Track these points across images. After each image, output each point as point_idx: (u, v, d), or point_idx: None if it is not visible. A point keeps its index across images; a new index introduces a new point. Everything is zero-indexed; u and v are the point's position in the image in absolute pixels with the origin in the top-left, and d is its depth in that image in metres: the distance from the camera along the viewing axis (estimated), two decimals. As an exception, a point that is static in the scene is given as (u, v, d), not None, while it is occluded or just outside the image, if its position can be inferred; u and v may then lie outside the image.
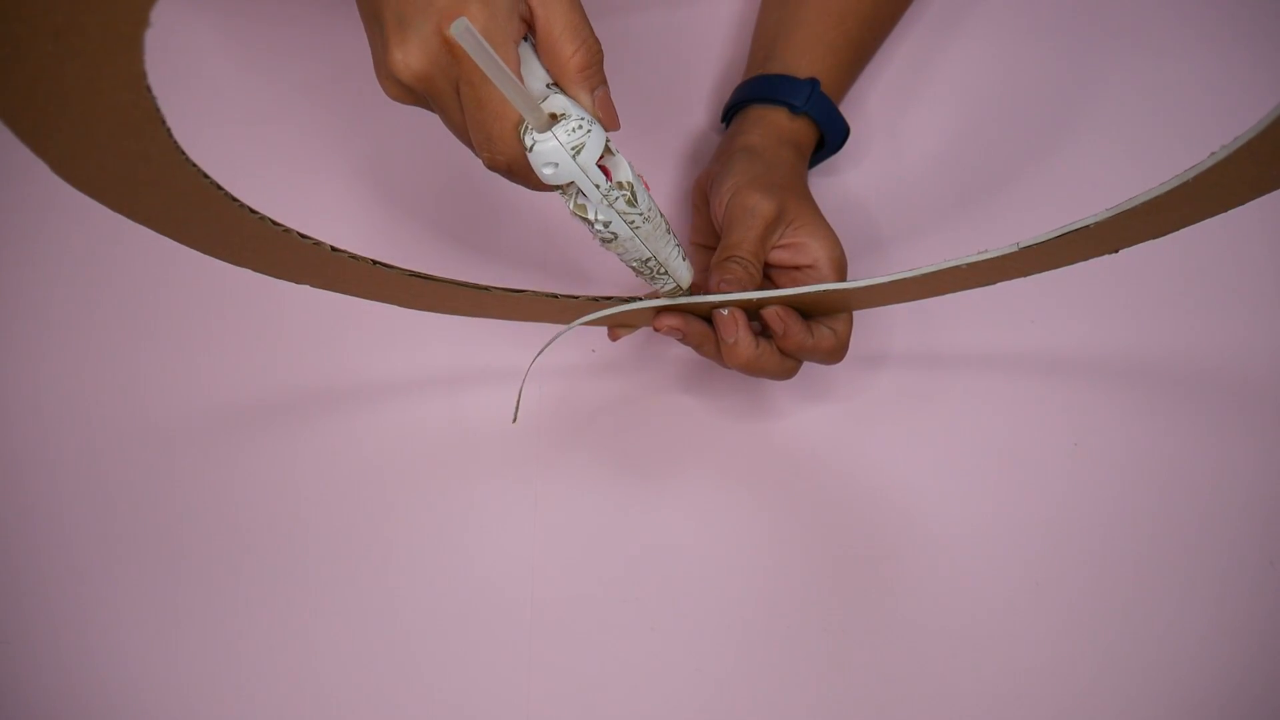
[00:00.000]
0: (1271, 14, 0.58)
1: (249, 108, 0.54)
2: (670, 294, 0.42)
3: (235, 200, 0.29)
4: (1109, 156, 0.55)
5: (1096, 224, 0.32)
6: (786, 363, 0.43)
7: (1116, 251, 0.35)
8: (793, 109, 0.47)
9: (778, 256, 0.44)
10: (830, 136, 0.48)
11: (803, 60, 0.48)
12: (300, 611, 0.44)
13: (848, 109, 0.50)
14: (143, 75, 0.21)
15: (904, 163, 0.54)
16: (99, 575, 0.45)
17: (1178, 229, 0.32)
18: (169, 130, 0.24)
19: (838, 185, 0.53)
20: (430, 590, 0.45)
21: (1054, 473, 0.48)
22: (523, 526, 0.46)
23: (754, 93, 0.48)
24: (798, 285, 0.44)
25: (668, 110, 0.54)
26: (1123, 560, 0.47)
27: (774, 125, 0.47)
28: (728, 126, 0.50)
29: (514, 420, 0.44)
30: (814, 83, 0.47)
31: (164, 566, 0.45)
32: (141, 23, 0.19)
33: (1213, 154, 0.27)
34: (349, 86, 0.54)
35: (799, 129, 0.47)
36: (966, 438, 0.49)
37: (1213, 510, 0.48)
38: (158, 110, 0.22)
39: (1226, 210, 0.30)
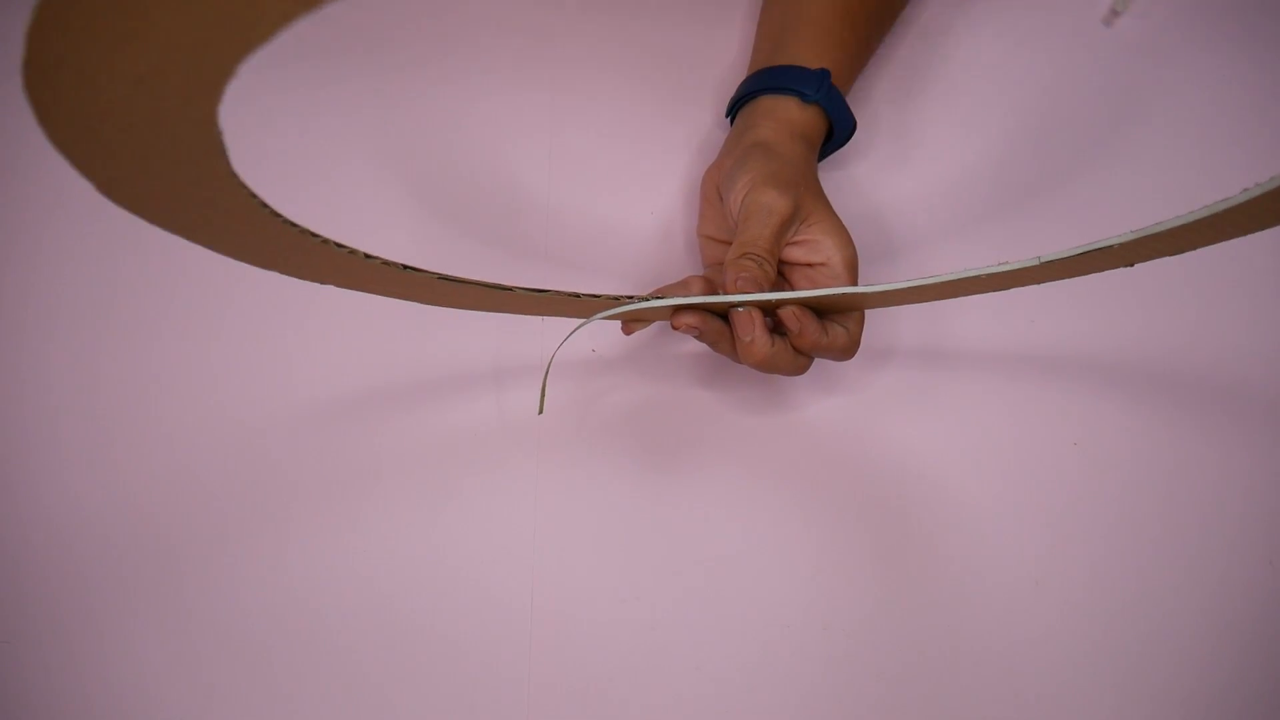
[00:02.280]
0: (1267, 11, 0.59)
1: (273, 110, 0.53)
2: None
3: (279, 216, 0.29)
4: (1118, 150, 0.55)
5: (1120, 245, 0.32)
6: (800, 360, 0.43)
7: (1132, 265, 0.36)
8: (804, 97, 0.47)
9: (791, 253, 0.44)
10: (839, 128, 0.48)
11: (811, 53, 0.48)
12: (299, 610, 0.44)
13: (852, 104, 0.50)
14: (214, 115, 0.21)
15: (909, 158, 0.54)
16: (100, 575, 0.44)
17: (1196, 249, 0.33)
18: (228, 159, 0.24)
19: (845, 180, 0.54)
20: (429, 589, 0.45)
21: (1055, 471, 0.49)
22: (524, 524, 0.46)
23: (764, 83, 0.48)
24: (811, 282, 0.44)
25: (672, 104, 0.54)
26: (1123, 559, 0.47)
27: (784, 117, 0.47)
28: (732, 121, 0.50)
29: (540, 411, 0.44)
30: (825, 73, 0.47)
31: (163, 565, 0.44)
32: (227, 73, 0.18)
33: (1245, 190, 0.27)
34: (372, 91, 0.54)
35: (809, 120, 0.47)
36: (968, 434, 0.49)
37: (1213, 509, 0.48)
38: (222, 144, 0.22)
39: (1247, 234, 0.31)
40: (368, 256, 0.33)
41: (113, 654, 0.43)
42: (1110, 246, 0.33)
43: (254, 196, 0.27)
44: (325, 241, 0.31)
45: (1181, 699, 0.45)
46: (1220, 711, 0.45)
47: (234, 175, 0.25)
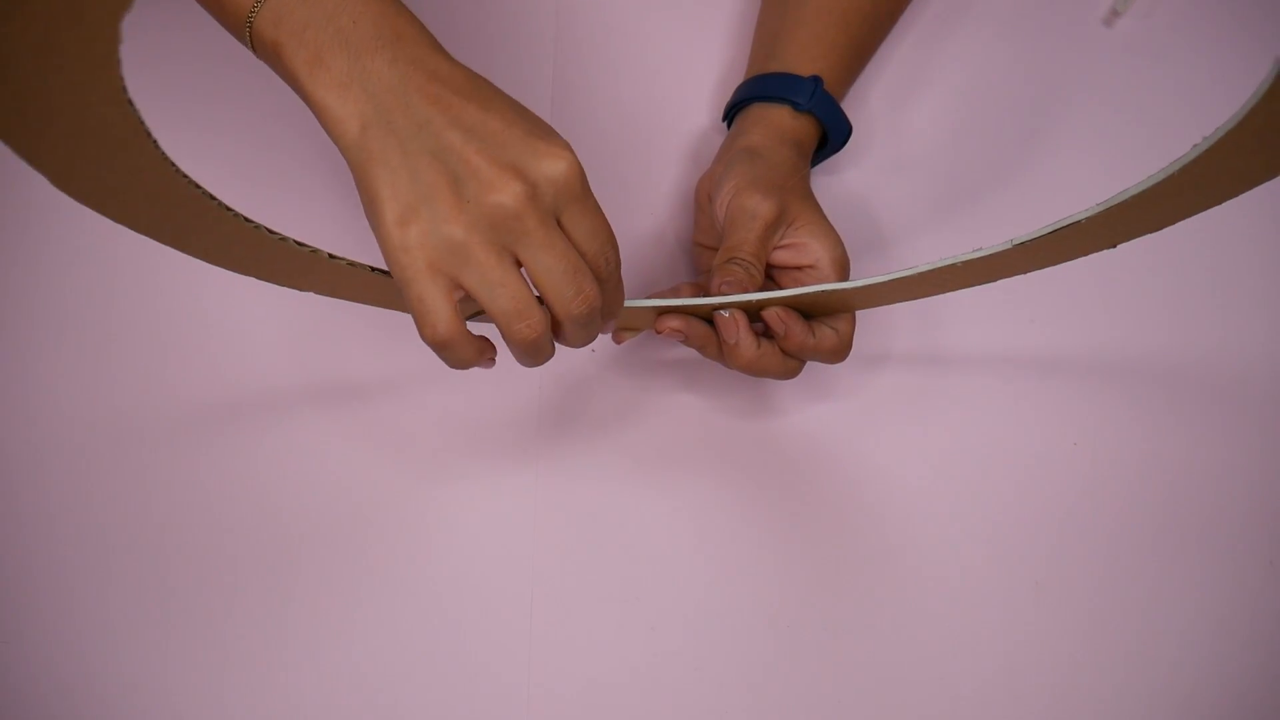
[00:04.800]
0: (1267, 12, 0.58)
1: (241, 109, 0.53)
2: None
3: (229, 210, 0.29)
4: (1111, 155, 0.55)
5: (1088, 219, 0.32)
6: (789, 363, 0.43)
7: (1115, 246, 0.35)
8: (796, 107, 0.47)
9: (779, 257, 0.44)
10: (833, 134, 0.48)
11: (804, 58, 0.48)
12: (297, 611, 0.44)
13: (848, 107, 0.50)
14: (123, 89, 0.21)
15: (905, 161, 0.54)
16: (93, 575, 0.45)
17: (1172, 223, 0.32)
18: (156, 142, 0.24)
19: (838, 184, 0.53)
20: (429, 590, 0.45)
21: (1054, 472, 0.48)
22: (523, 526, 0.46)
23: (756, 91, 0.48)
24: (800, 285, 0.44)
25: (669, 111, 0.54)
26: (1123, 560, 0.47)
27: (776, 124, 0.47)
28: (729, 126, 0.50)
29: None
30: (817, 80, 0.47)
31: (159, 564, 0.45)
32: (114, 37, 0.19)
33: (1195, 145, 0.27)
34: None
35: (801, 127, 0.47)
36: (967, 436, 0.49)
37: (1213, 509, 0.48)
38: (142, 123, 0.23)
39: (1219, 203, 0.30)
40: (331, 256, 0.34)
41: (110, 655, 0.43)
42: (1079, 222, 0.32)
43: (197, 186, 0.28)
44: (284, 239, 0.32)
45: (1182, 699, 0.45)
46: (1220, 711, 0.44)
47: (168, 161, 0.26)
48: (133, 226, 0.30)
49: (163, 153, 0.25)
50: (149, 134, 0.24)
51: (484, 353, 0.36)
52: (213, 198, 0.28)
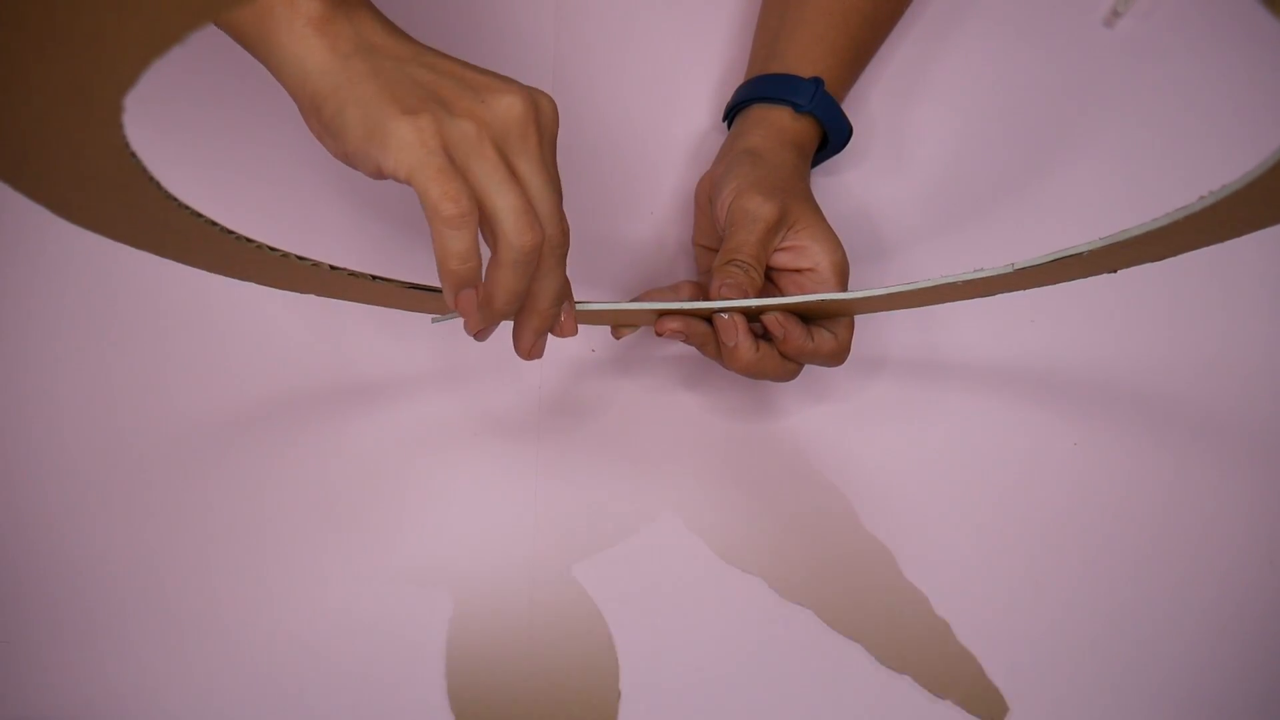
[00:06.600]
0: (1267, 12, 0.57)
1: (228, 121, 0.53)
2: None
3: (231, 233, 0.29)
4: (1112, 155, 0.54)
5: (1090, 251, 0.32)
6: (787, 365, 0.43)
7: (1115, 271, 0.35)
8: (797, 108, 0.46)
9: (779, 259, 0.44)
10: (834, 136, 0.48)
11: (805, 60, 0.47)
12: (299, 609, 0.45)
13: (848, 107, 0.49)
14: (125, 147, 0.21)
15: (905, 162, 0.54)
16: (92, 576, 0.45)
17: (1174, 255, 0.32)
18: (158, 184, 0.24)
19: (838, 185, 0.53)
20: (429, 589, 0.45)
21: (1054, 473, 0.48)
22: (523, 525, 0.46)
23: (757, 92, 0.47)
24: (799, 287, 0.44)
25: (669, 111, 0.54)
26: (1123, 560, 0.47)
27: (776, 125, 0.46)
28: (730, 126, 0.50)
29: (433, 321, 0.42)
30: (818, 82, 0.46)
31: (161, 561, 0.45)
32: (117, 107, 0.19)
33: (1202, 198, 0.26)
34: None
35: (802, 129, 0.47)
36: (966, 437, 0.49)
37: (1214, 510, 0.48)
38: (144, 170, 0.23)
39: (1223, 241, 0.30)
40: (333, 268, 0.34)
41: (109, 657, 0.44)
42: (1081, 254, 0.32)
43: (199, 216, 0.27)
44: (285, 255, 0.32)
45: (1182, 699, 0.45)
46: (1220, 712, 0.45)
47: (172, 199, 0.25)
48: (136, 246, 0.30)
49: (165, 191, 0.25)
50: (151, 178, 0.24)
51: (479, 272, 0.33)
52: (214, 223, 0.28)
